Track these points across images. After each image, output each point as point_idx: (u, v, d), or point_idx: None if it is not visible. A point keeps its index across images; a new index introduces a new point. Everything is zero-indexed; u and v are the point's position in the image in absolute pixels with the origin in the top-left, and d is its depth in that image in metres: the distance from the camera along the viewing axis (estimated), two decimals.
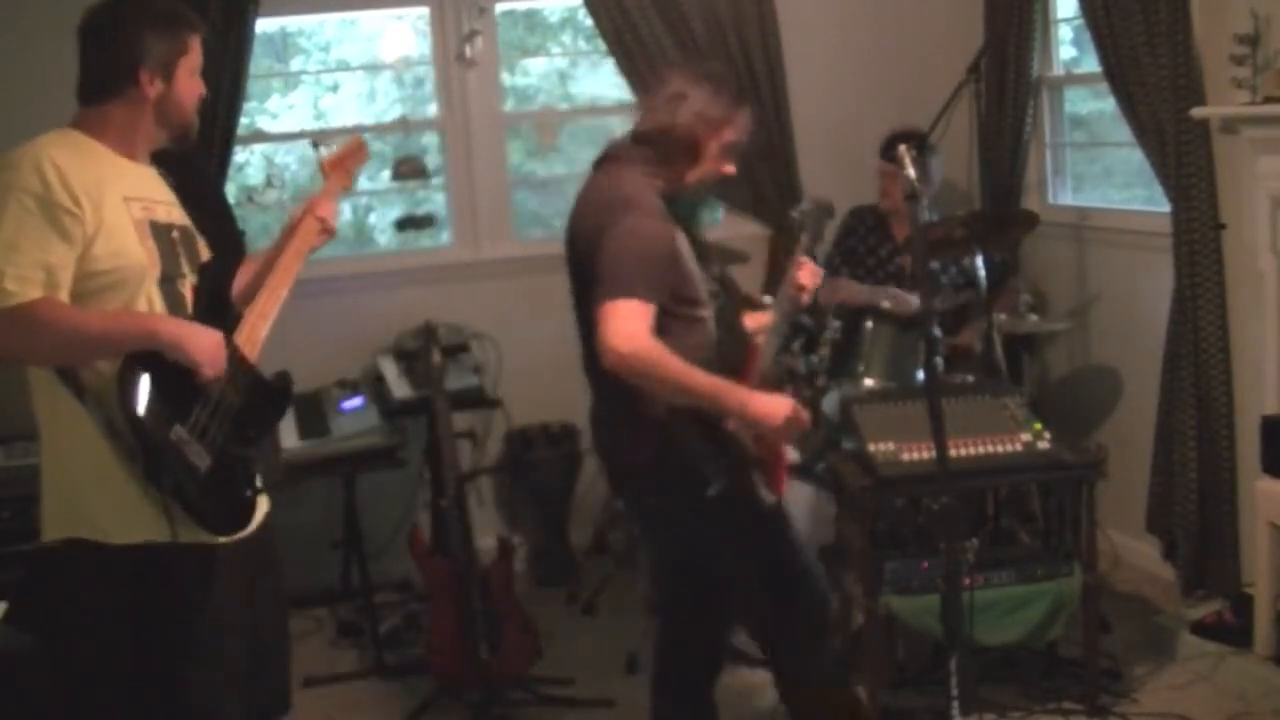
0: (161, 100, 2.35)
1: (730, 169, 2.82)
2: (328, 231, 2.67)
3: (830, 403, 4.07)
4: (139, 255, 2.27)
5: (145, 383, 2.17)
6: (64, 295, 2.20)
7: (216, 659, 2.33)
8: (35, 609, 3.06)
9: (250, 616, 2.42)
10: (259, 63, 4.73)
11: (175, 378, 2.21)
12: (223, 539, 2.31)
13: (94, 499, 2.26)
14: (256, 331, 2.44)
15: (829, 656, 3.05)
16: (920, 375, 3.88)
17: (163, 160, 2.49)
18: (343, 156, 2.78)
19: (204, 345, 2.23)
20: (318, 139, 2.86)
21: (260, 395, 2.42)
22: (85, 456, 2.24)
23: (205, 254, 2.48)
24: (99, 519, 2.26)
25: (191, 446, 2.20)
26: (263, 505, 2.48)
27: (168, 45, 2.33)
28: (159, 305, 2.30)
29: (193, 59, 2.39)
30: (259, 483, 2.42)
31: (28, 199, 2.17)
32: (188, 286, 2.37)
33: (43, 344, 2.20)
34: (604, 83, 5.41)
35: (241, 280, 2.60)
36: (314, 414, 4.34)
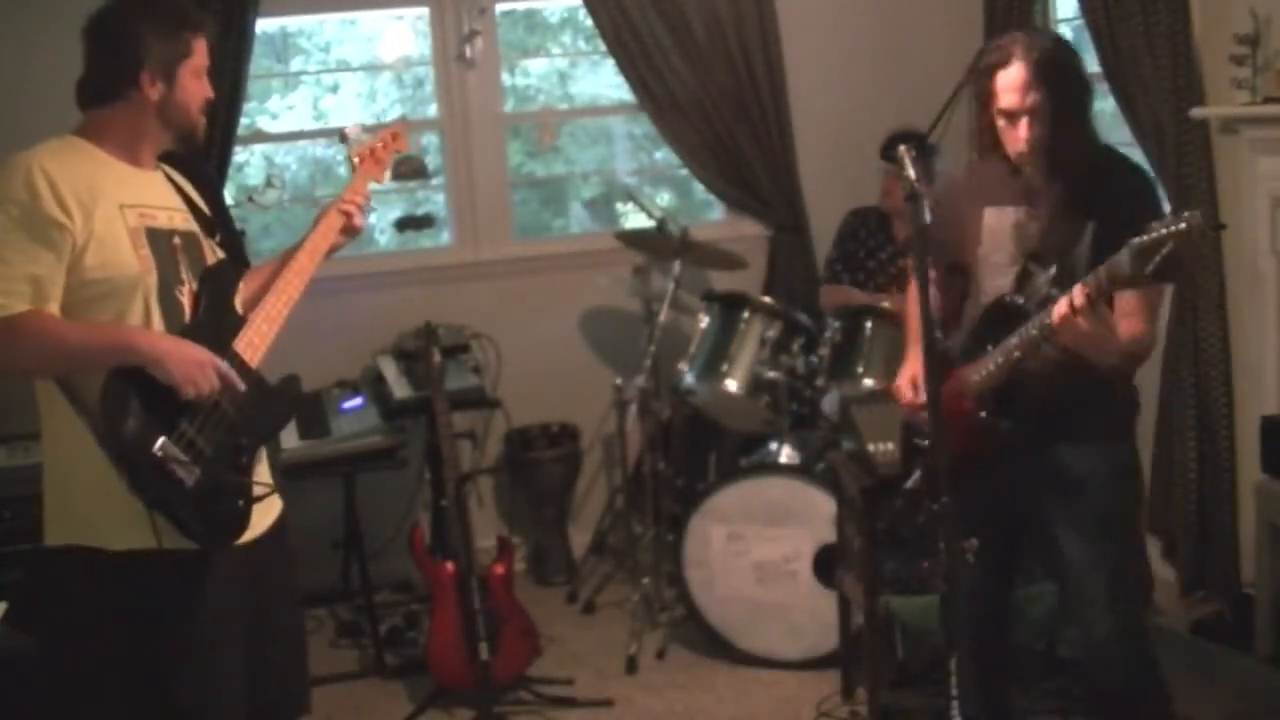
0: (164, 103, 2.32)
1: (1015, 147, 2.61)
2: (351, 229, 2.60)
3: (830, 403, 4.07)
4: (132, 264, 2.24)
5: (131, 395, 2.15)
6: (53, 307, 2.19)
7: (210, 662, 2.31)
8: (35, 609, 3.06)
9: (254, 617, 2.40)
10: (259, 63, 4.73)
11: (162, 389, 2.18)
12: (209, 549, 2.28)
13: (89, 505, 2.25)
14: (261, 335, 2.38)
15: None
16: None
17: (169, 161, 2.48)
18: (375, 146, 2.70)
19: (184, 364, 2.19)
20: (348, 132, 2.76)
21: (261, 403, 2.37)
22: (81, 463, 2.23)
23: (212, 259, 2.44)
24: (94, 525, 2.25)
25: (176, 461, 2.16)
26: (272, 508, 2.45)
27: (169, 46, 2.31)
28: (155, 314, 2.28)
29: (197, 60, 2.36)
30: (259, 490, 2.36)
31: (14, 209, 2.15)
32: (187, 294, 2.34)
33: (26, 357, 2.19)
34: (604, 83, 5.41)
35: (254, 283, 2.55)
36: (314, 414, 4.34)
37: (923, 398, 2.69)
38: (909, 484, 2.86)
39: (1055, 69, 2.55)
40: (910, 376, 2.80)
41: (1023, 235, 2.65)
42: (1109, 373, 2.60)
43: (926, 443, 2.76)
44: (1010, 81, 2.55)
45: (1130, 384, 2.77)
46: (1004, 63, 2.56)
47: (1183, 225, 2.20)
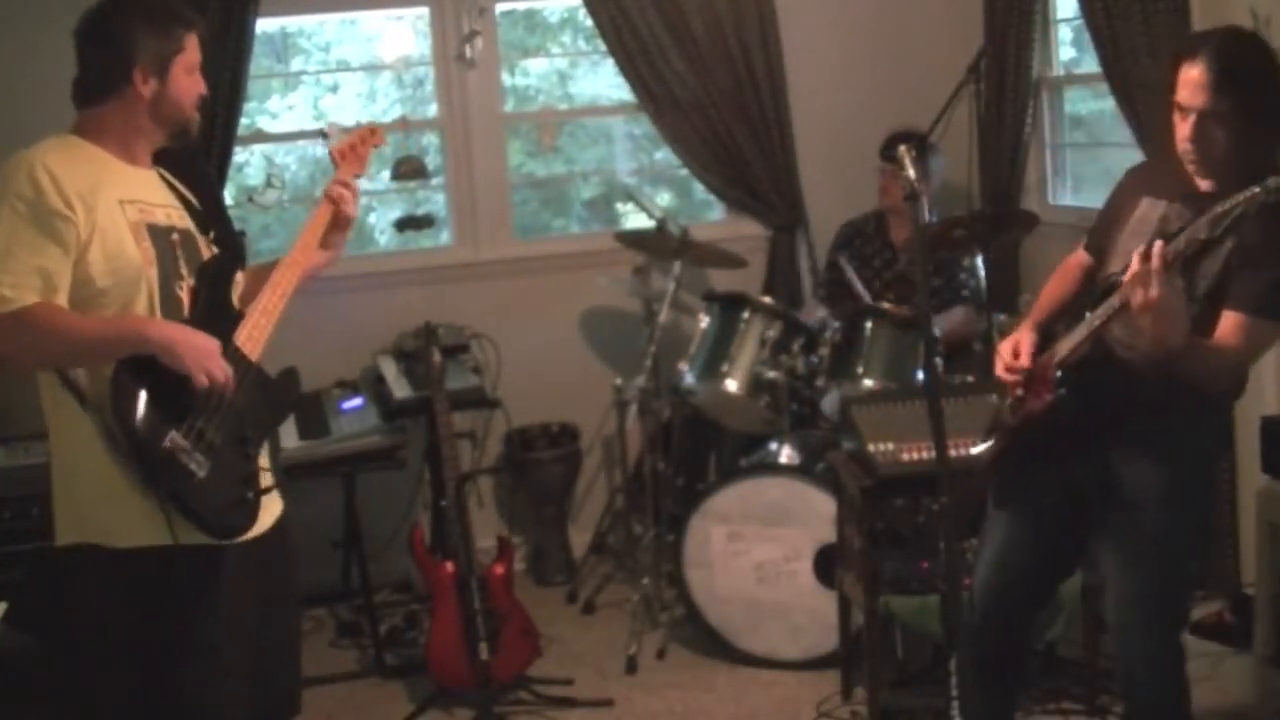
0: (157, 100, 2.34)
1: (1181, 145, 2.53)
2: (343, 220, 2.62)
3: (830, 403, 4.07)
4: (135, 258, 2.27)
5: (139, 389, 2.17)
6: (62, 299, 2.20)
7: (219, 659, 2.32)
8: (38, 609, 3.06)
9: (258, 616, 2.41)
10: (259, 63, 4.73)
11: (171, 381, 2.20)
12: (224, 542, 2.29)
13: (98, 503, 2.26)
14: (260, 329, 2.41)
15: None
16: (920, 375, 3.88)
17: (164, 161, 2.49)
18: (354, 143, 2.76)
19: (196, 352, 2.22)
20: (328, 130, 2.83)
21: (263, 395, 2.40)
22: (88, 460, 2.24)
23: (209, 255, 2.46)
24: (104, 523, 2.26)
25: (187, 452, 2.18)
26: (274, 506, 2.47)
27: (161, 43, 2.33)
28: (157, 308, 2.29)
29: (189, 57, 2.38)
30: (264, 482, 2.39)
31: (21, 205, 2.17)
32: (186, 289, 2.36)
33: (37, 349, 2.20)
34: (604, 83, 5.41)
35: (248, 281, 2.57)
36: (314, 414, 4.34)
37: (1022, 359, 2.67)
38: (977, 449, 2.83)
39: (1238, 78, 2.43)
40: (1013, 341, 2.73)
41: (1164, 231, 2.54)
42: (1192, 382, 2.51)
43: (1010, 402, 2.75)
44: (1189, 77, 2.46)
45: (1223, 409, 2.72)
46: (1191, 55, 2.46)
47: (1255, 190, 2.18)
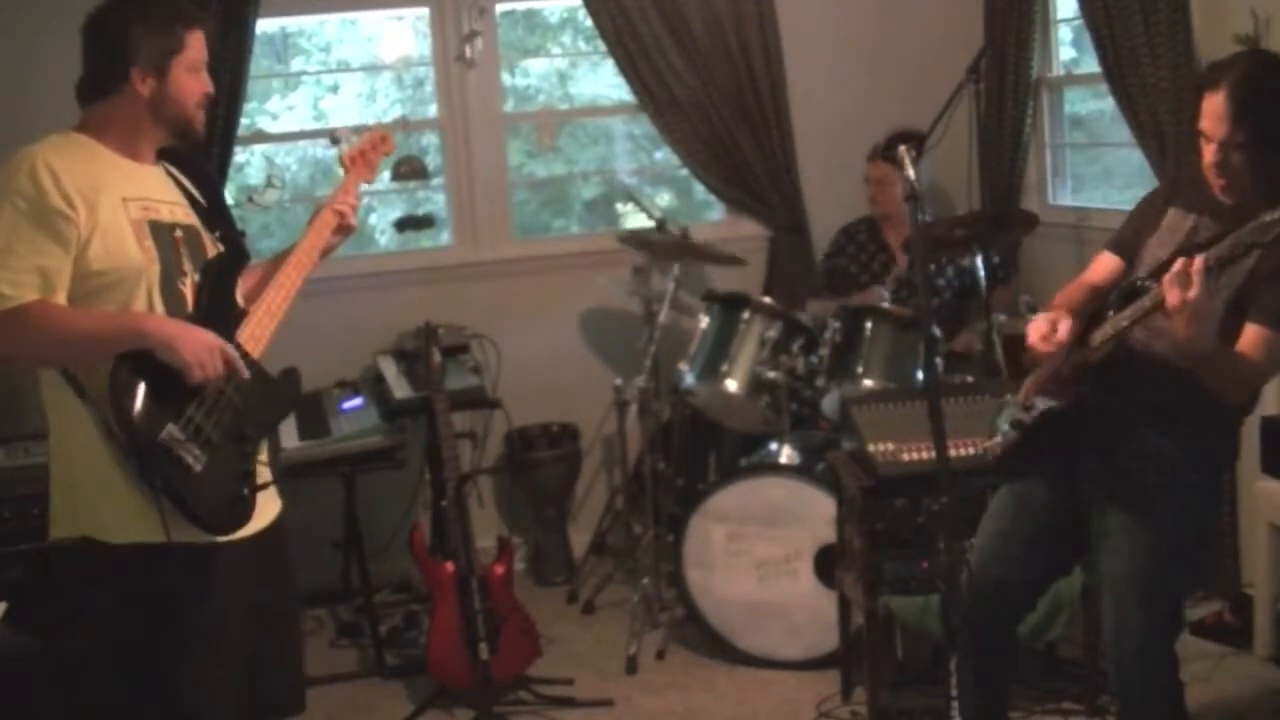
0: (156, 99, 2.34)
1: (1207, 169, 2.57)
2: (345, 228, 2.64)
3: (830, 403, 4.07)
4: (136, 255, 2.27)
5: (138, 382, 2.17)
6: (60, 298, 2.21)
7: (213, 658, 2.32)
8: (37, 608, 3.07)
9: (254, 614, 2.41)
10: (259, 63, 4.73)
11: (169, 376, 2.20)
12: (219, 539, 2.29)
13: (95, 497, 2.26)
14: (262, 328, 2.42)
15: None
16: (920, 375, 3.89)
17: (169, 157, 2.49)
18: (365, 149, 2.76)
19: (194, 346, 2.22)
20: (338, 134, 2.82)
21: (263, 393, 2.40)
22: (86, 455, 2.25)
23: (214, 252, 2.46)
24: (100, 517, 2.26)
25: (184, 446, 2.18)
26: (272, 505, 2.47)
27: (160, 42, 2.33)
28: (159, 305, 2.30)
29: (191, 55, 2.37)
30: (261, 480, 2.39)
31: (21, 202, 2.18)
32: (189, 285, 2.37)
33: (36, 346, 2.21)
34: (604, 83, 5.41)
35: (251, 280, 2.57)
36: (314, 414, 4.34)
37: (1060, 334, 2.63)
38: (983, 448, 2.85)
39: (1258, 108, 2.47)
40: (1050, 319, 2.66)
41: (1191, 240, 2.59)
42: (1211, 391, 2.53)
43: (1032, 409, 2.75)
44: (1211, 108, 2.50)
45: (1236, 422, 2.75)
46: (1213, 86, 2.50)
47: None
